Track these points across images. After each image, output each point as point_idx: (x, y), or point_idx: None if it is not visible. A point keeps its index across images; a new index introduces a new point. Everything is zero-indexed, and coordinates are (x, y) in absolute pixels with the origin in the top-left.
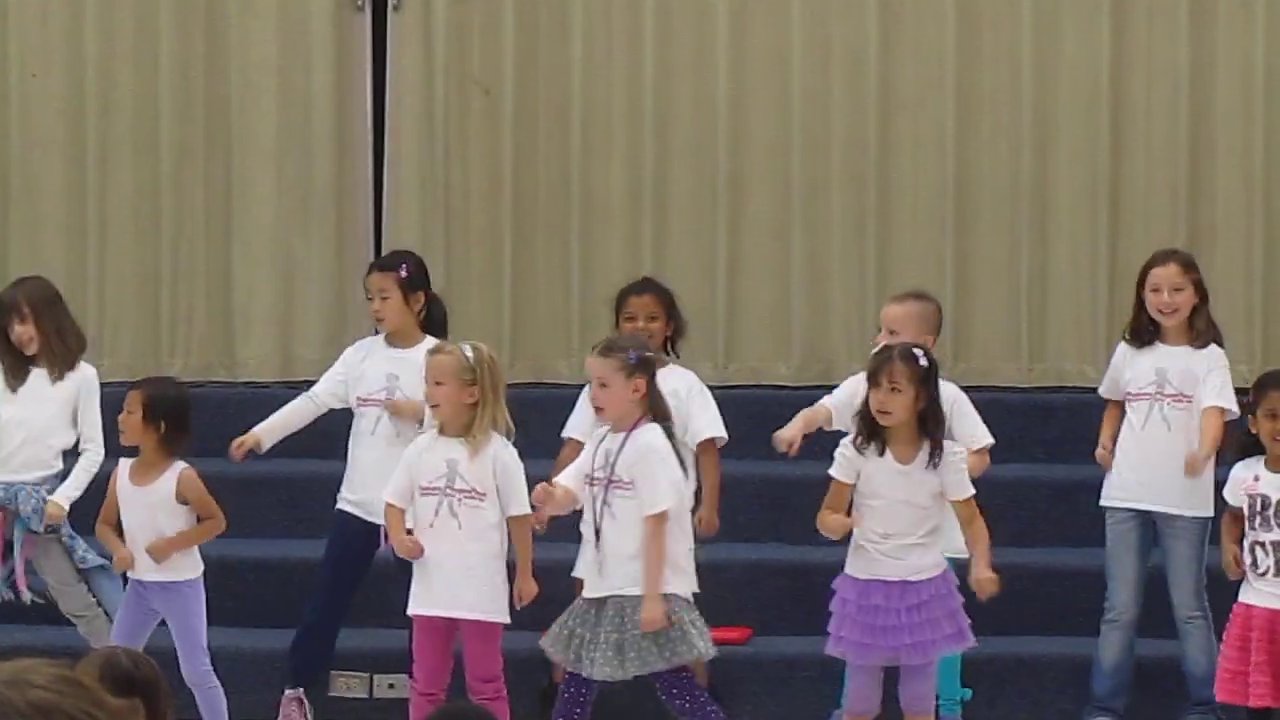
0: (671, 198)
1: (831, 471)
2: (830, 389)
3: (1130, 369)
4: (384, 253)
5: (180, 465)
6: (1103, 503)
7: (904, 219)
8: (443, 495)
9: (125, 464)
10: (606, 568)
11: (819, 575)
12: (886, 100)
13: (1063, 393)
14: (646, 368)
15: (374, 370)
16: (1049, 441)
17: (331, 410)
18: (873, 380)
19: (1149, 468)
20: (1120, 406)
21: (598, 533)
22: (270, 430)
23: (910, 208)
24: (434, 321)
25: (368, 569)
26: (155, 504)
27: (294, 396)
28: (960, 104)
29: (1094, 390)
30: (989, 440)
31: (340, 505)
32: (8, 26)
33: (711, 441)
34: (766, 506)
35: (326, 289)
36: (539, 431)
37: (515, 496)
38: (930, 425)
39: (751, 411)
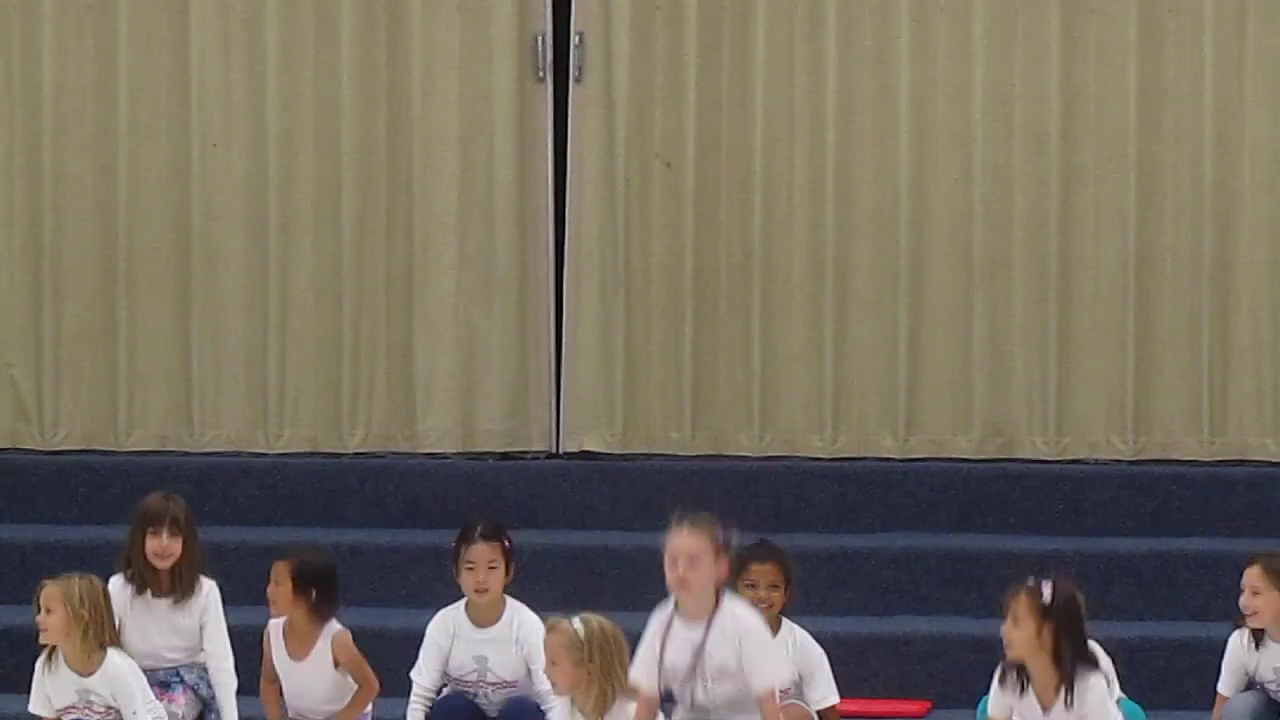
0: (853, 272)
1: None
2: (1010, 462)
3: (1249, 665)
4: (565, 326)
5: (334, 629)
6: None
7: (1085, 293)
8: None
9: (276, 625)
10: None
11: (1000, 649)
12: (1068, 175)
13: (1244, 466)
14: None
15: (462, 652)
16: (1231, 515)
17: None
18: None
19: None
20: None
21: None
22: None
23: (1092, 282)
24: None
25: None
26: (314, 674)
27: (474, 469)
28: (1141, 179)
29: (1277, 465)
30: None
31: None
32: (190, 101)
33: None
34: (949, 580)
35: (508, 361)
36: (720, 503)
37: None
38: (1063, 662)
39: (933, 484)
